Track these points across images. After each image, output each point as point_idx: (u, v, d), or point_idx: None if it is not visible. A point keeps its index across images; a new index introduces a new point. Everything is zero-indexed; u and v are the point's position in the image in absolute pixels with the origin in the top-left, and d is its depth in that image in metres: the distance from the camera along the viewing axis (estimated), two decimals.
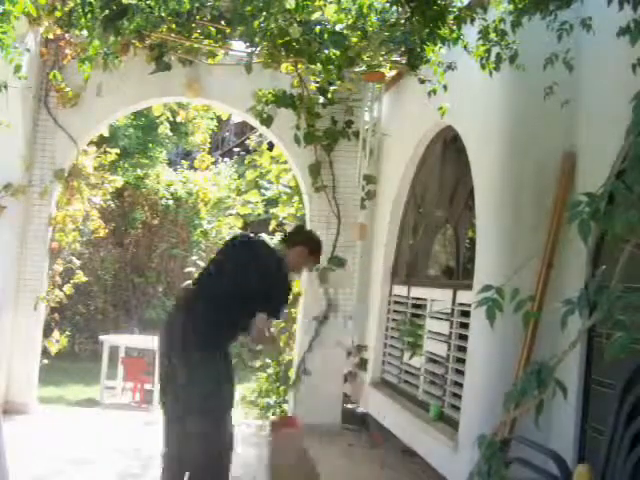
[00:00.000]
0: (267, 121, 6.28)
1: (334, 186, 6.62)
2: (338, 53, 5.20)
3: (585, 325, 1.81)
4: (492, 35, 3.83)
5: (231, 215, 11.20)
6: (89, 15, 3.67)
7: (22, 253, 6.16)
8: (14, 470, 4.50)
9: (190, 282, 3.79)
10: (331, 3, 5.16)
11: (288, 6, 4.55)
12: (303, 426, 4.17)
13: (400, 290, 6.33)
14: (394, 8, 4.75)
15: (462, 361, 4.68)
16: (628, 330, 1.57)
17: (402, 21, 4.81)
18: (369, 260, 7.01)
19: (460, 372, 4.75)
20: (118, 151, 7.54)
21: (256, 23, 4.52)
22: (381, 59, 5.94)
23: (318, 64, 5.44)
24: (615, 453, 2.73)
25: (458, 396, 4.71)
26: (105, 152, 7.10)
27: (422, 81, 4.77)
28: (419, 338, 5.68)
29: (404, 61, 5.48)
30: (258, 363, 7.82)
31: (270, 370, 7.29)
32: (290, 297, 3.87)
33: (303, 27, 4.92)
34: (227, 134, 21.24)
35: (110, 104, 6.42)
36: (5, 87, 4.25)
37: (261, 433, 6.30)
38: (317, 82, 6.36)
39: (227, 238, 4.94)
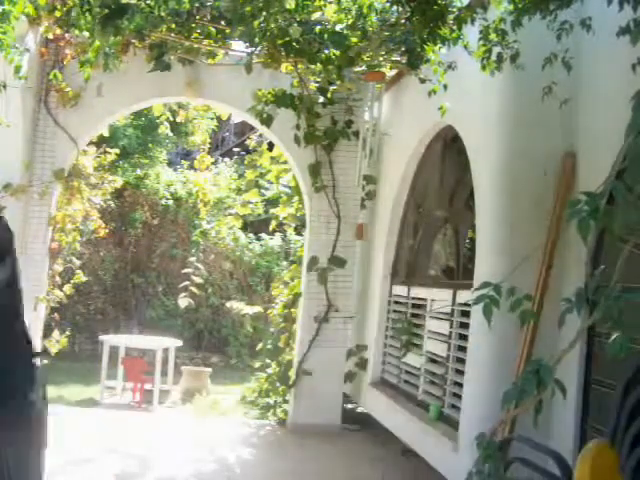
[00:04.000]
0: (267, 121, 6.27)
1: (334, 186, 6.62)
2: (338, 53, 5.20)
3: (584, 324, 1.81)
4: (492, 35, 3.83)
5: (231, 215, 11.21)
6: (87, 15, 3.66)
7: (22, 253, 6.15)
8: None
9: None
10: (331, 3, 5.16)
11: (288, 6, 4.56)
12: None
13: (400, 290, 6.33)
14: (394, 8, 4.76)
15: (462, 361, 4.68)
16: (627, 330, 1.57)
17: (402, 21, 4.81)
18: (369, 260, 7.01)
19: (460, 372, 4.74)
20: (118, 151, 7.53)
21: (256, 23, 4.52)
22: (381, 59, 5.94)
23: (318, 64, 5.45)
24: (616, 453, 2.73)
25: (458, 396, 4.71)
26: (105, 152, 7.09)
27: (422, 81, 4.77)
28: (413, 336, 5.68)
29: (404, 61, 5.48)
30: (258, 363, 7.82)
31: (270, 370, 7.29)
32: None
33: (303, 27, 4.91)
34: (227, 134, 21.22)
35: (110, 104, 6.42)
36: (5, 87, 4.25)
37: (260, 433, 6.30)
38: (317, 82, 6.36)
39: None
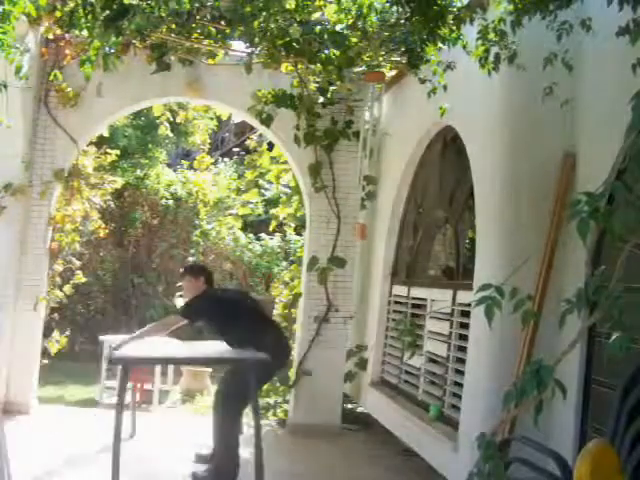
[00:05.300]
0: (267, 121, 6.28)
1: (334, 186, 6.62)
2: (338, 53, 5.21)
3: (584, 325, 1.81)
4: (491, 35, 3.84)
5: (231, 215, 11.21)
6: (90, 15, 3.66)
7: (22, 253, 6.16)
8: (14, 470, 4.51)
9: None
10: (331, 3, 5.16)
11: (288, 6, 4.56)
12: None
13: (400, 290, 6.33)
14: (394, 8, 4.76)
15: (462, 361, 4.68)
16: (627, 330, 1.58)
17: (402, 21, 4.81)
18: (369, 260, 7.01)
19: (460, 372, 4.75)
20: (118, 152, 7.53)
21: (256, 23, 4.53)
22: (381, 59, 5.95)
23: (318, 64, 5.45)
24: (616, 453, 2.73)
25: (458, 396, 4.71)
26: (105, 153, 7.09)
27: (422, 81, 4.77)
28: (417, 338, 5.68)
29: (404, 61, 5.48)
30: None
31: None
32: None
33: (303, 27, 4.92)
34: (227, 134, 21.21)
35: (110, 104, 6.41)
36: (5, 87, 4.24)
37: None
38: (317, 82, 6.36)
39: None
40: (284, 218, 7.81)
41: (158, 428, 6.29)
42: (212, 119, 10.94)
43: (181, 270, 5.58)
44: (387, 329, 6.55)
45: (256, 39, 4.96)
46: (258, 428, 4.29)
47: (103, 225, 7.62)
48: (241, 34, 5.15)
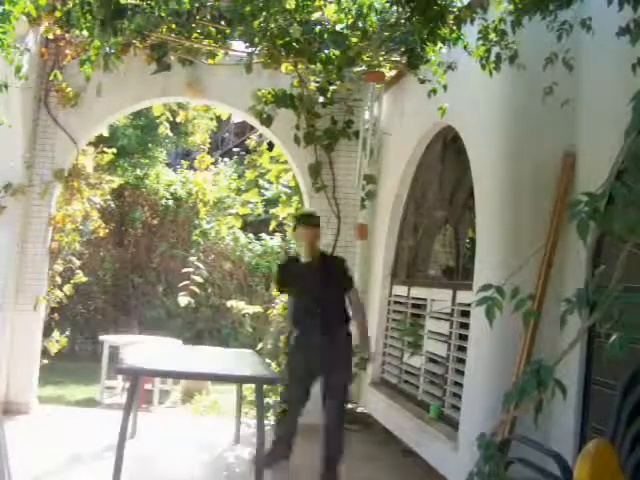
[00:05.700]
0: (267, 121, 6.28)
1: (334, 186, 6.62)
2: (338, 53, 5.21)
3: (584, 325, 1.81)
4: (492, 35, 3.84)
5: (231, 215, 11.21)
6: (87, 15, 3.67)
7: (22, 253, 6.16)
8: (14, 470, 4.51)
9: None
10: (331, 3, 5.17)
11: (288, 6, 4.56)
12: None
13: (400, 290, 6.33)
14: (394, 8, 4.76)
15: (462, 361, 4.68)
16: (627, 330, 1.57)
17: (402, 21, 4.81)
18: (369, 260, 7.01)
19: (460, 372, 4.74)
20: (115, 151, 7.52)
21: (256, 23, 4.53)
22: (381, 59, 5.95)
23: (318, 64, 5.45)
24: (616, 453, 2.73)
25: (458, 396, 4.71)
26: (102, 152, 7.09)
27: (422, 81, 4.77)
28: (420, 338, 5.68)
29: (404, 61, 5.49)
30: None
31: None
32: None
33: (303, 27, 4.92)
34: (227, 134, 21.21)
35: (110, 104, 6.42)
36: (5, 87, 4.25)
37: None
38: (317, 82, 6.36)
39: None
40: (284, 218, 7.82)
41: (158, 428, 6.29)
42: (212, 119, 10.94)
43: (299, 220, 5.32)
44: (387, 329, 6.55)
45: (256, 39, 4.97)
46: (261, 428, 4.25)
47: (103, 225, 7.63)
48: (241, 34, 5.16)
